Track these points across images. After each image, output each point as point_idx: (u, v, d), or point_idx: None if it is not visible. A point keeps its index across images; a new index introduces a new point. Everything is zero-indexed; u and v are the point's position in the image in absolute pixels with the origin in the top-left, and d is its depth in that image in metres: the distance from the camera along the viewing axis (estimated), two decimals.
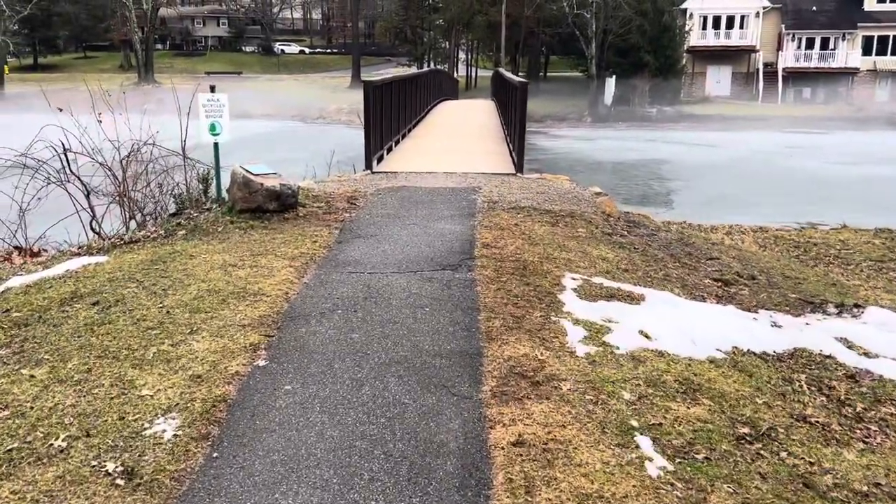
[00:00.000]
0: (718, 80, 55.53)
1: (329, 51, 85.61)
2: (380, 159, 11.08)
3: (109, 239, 6.99)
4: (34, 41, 75.53)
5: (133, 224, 8.24)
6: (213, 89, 7.52)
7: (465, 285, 5.04)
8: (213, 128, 7.52)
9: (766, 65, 52.83)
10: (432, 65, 64.05)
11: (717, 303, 5.70)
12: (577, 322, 4.48)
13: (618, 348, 4.16)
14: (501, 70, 20.54)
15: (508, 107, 13.58)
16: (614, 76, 47.93)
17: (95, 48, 79.13)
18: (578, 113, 45.70)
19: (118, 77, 66.04)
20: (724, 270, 6.64)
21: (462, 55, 68.42)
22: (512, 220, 7.13)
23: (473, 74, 62.90)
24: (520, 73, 56.30)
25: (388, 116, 11.68)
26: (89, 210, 8.09)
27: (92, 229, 8.07)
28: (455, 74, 58.52)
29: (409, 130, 15.52)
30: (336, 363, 3.80)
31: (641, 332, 4.46)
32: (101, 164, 8.07)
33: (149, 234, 6.88)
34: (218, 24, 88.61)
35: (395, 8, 71.63)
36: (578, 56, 53.67)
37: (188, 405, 3.37)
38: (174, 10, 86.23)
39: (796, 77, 51.84)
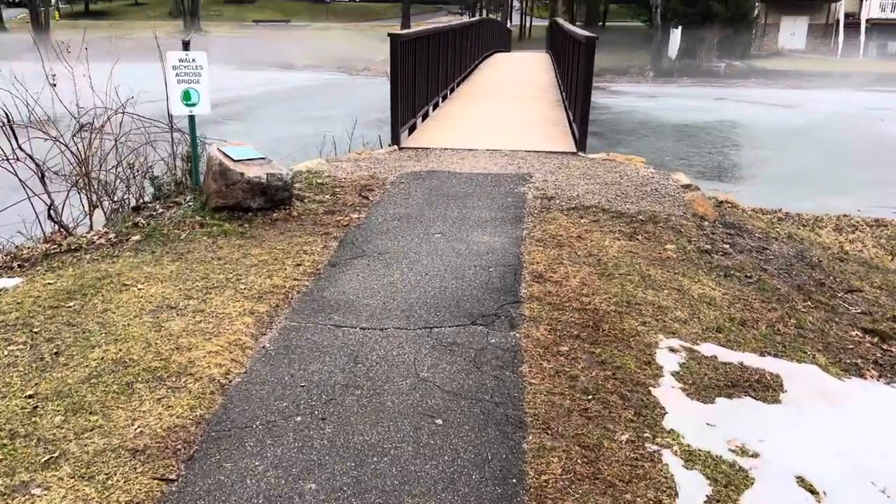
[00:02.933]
0: (793, 31, 51.39)
1: None
2: (412, 129, 9.26)
3: (47, 243, 5.39)
4: None
5: (99, 214, 6.68)
6: (186, 46, 5.76)
7: (506, 361, 3.26)
8: (187, 96, 5.79)
9: (847, 15, 48.53)
10: (485, 13, 61.07)
11: (881, 377, 3.82)
12: (690, 458, 2.67)
13: None
14: (559, 20, 18.28)
15: (568, 65, 11.52)
16: (680, 27, 44.50)
17: None
18: (640, 66, 42.63)
19: (166, 24, 65.08)
20: (874, 312, 4.70)
21: (516, 3, 65.13)
22: (573, 229, 5.27)
23: (528, 24, 59.76)
24: (577, 23, 52.98)
25: (424, 77, 9.79)
26: (46, 196, 6.53)
27: (50, 218, 6.52)
28: (508, 24, 55.55)
29: (452, 90, 13.58)
30: None
31: (799, 479, 2.64)
32: (53, 138, 6.45)
33: (95, 238, 5.26)
34: None
35: None
36: (640, 4, 50.14)
37: None
38: None
39: (881, 29, 47.49)
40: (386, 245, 4.86)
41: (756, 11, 47.42)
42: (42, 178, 6.46)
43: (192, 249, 4.79)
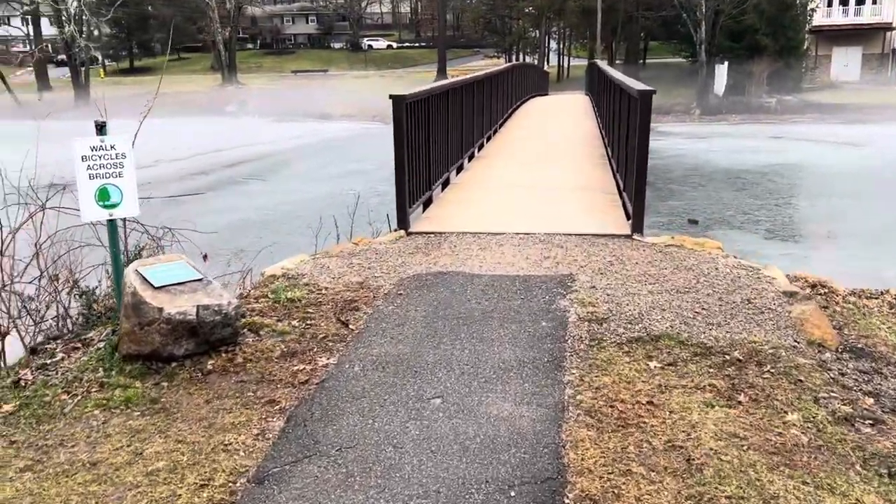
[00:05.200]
0: (846, 62, 49.12)
1: (417, 45, 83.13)
2: (427, 202, 7.67)
3: None
4: (130, 45, 76.73)
5: (14, 341, 5.19)
6: (101, 129, 4.27)
7: None
8: (104, 195, 4.29)
9: None
10: (521, 56, 60.20)
11: None
12: None
13: None
14: (600, 64, 16.70)
15: (614, 117, 9.87)
16: (726, 62, 42.62)
17: (189, 49, 79.72)
18: (685, 105, 40.71)
19: (206, 78, 65.89)
20: None
21: (553, 44, 64.14)
22: (640, 384, 3.54)
23: (565, 64, 58.57)
24: (616, 62, 51.51)
25: (443, 141, 8.24)
26: None
27: None
28: (545, 65, 54.42)
29: (481, 147, 12.02)
30: None
31: None
32: None
33: None
34: (307, 22, 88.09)
35: None
36: (682, 41, 48.47)
37: None
38: (263, 8, 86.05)
39: None
40: (354, 428, 3.19)
41: (807, 43, 45.32)
42: None
43: (66, 439, 3.20)
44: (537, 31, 59.91)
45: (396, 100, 6.31)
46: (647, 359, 3.84)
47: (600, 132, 14.00)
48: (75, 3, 50.30)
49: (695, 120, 38.09)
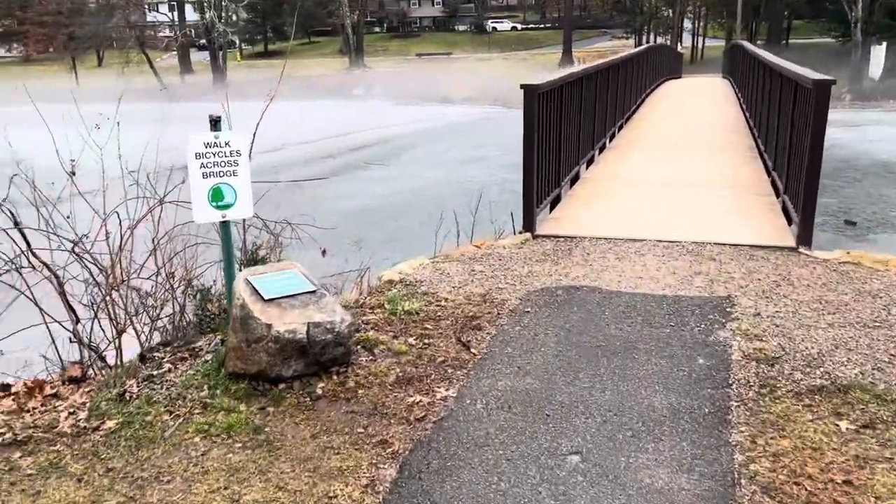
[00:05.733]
0: None
1: (542, 26, 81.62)
2: (556, 201, 7.07)
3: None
4: (265, 29, 79.91)
5: (129, 338, 5.08)
6: (215, 124, 3.99)
7: None
8: (217, 195, 4.01)
9: None
10: (653, 37, 57.59)
11: None
12: None
13: None
14: (748, 46, 15.30)
15: (769, 107, 8.81)
16: (884, 43, 38.72)
17: (319, 33, 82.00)
18: (834, 89, 37.26)
19: (335, 62, 67.52)
20: None
21: (687, 24, 60.87)
22: (831, 454, 2.84)
23: (699, 45, 55.44)
24: (757, 42, 48.10)
25: (574, 133, 7.58)
26: (69, 314, 5.03)
27: (76, 339, 5.01)
28: (678, 46, 51.71)
29: (612, 137, 11.22)
30: None
31: None
32: (76, 244, 4.92)
33: (63, 415, 3.55)
34: (433, 4, 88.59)
35: None
36: (831, 18, 44.52)
37: None
38: None
39: None
40: (475, 487, 2.71)
41: None
42: (62, 293, 4.97)
43: (163, 472, 2.92)
44: (670, 11, 57.02)
45: (528, 90, 5.73)
46: (836, 416, 3.12)
47: (746, 121, 12.79)
48: None
49: (845, 106, 34.83)
